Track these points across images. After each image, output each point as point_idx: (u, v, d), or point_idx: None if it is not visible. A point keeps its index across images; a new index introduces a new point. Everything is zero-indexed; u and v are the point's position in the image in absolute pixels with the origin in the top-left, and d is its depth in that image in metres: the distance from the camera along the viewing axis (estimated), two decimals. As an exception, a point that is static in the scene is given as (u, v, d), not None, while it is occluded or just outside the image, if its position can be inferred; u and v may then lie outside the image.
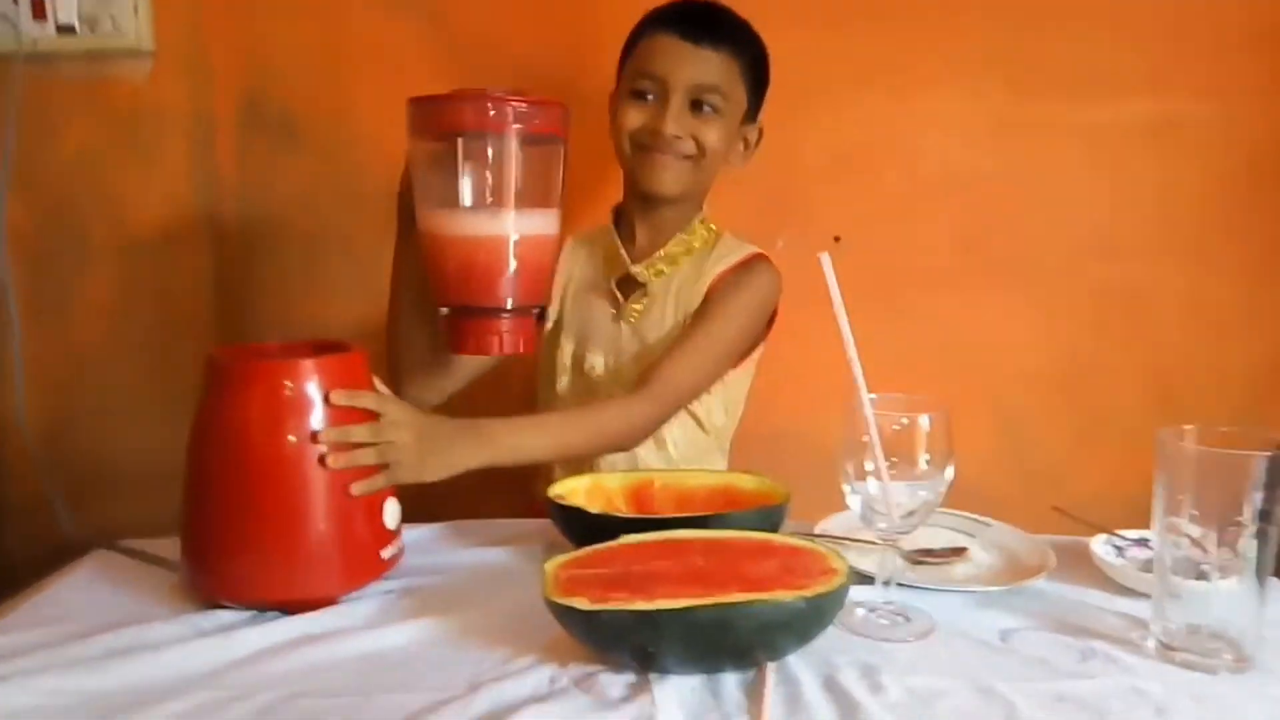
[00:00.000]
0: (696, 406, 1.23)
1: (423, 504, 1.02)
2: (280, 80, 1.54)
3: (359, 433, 0.85)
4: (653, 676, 0.71)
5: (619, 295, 1.25)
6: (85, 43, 1.48)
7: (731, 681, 0.72)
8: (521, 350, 1.00)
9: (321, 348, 0.88)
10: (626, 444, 1.14)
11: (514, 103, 0.94)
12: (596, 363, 1.24)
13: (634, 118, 1.19)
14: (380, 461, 0.86)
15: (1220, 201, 1.50)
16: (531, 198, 0.98)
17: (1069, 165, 1.52)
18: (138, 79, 1.52)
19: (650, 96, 1.18)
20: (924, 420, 0.78)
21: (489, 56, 1.52)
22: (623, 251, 1.25)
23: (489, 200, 0.97)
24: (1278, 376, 1.53)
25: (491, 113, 0.93)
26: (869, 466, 0.79)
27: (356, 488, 0.84)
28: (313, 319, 1.55)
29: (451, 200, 0.97)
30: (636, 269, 1.24)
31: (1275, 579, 0.75)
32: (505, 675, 0.72)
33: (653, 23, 1.20)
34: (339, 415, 0.83)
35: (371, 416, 0.86)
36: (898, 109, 1.52)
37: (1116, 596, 0.87)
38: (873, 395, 0.79)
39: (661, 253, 1.24)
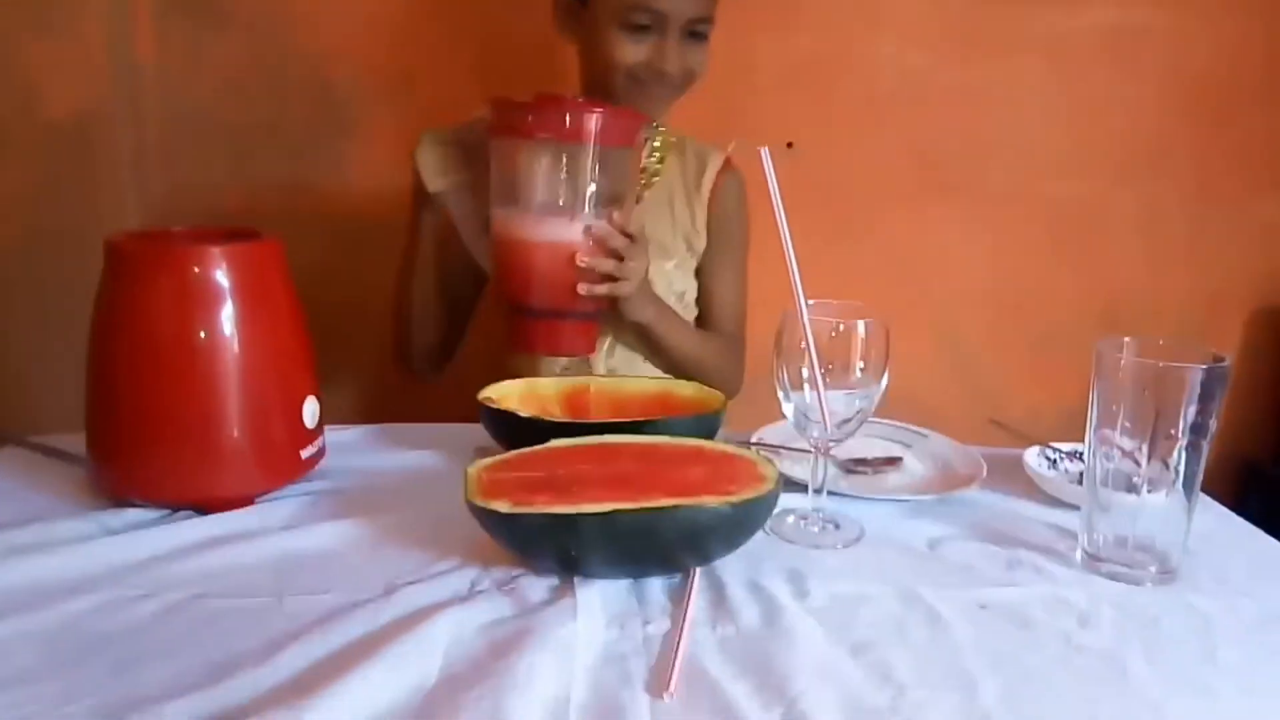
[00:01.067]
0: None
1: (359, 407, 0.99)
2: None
3: (619, 240, 1.00)
4: (577, 580, 0.70)
5: None
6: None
7: (657, 586, 0.70)
8: (587, 353, 1.09)
9: (234, 235, 0.83)
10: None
11: (599, 112, 0.98)
12: None
13: (631, 52, 1.13)
14: (616, 274, 1.01)
15: (1170, 120, 1.49)
16: (611, 203, 1.02)
17: (1028, 78, 1.49)
18: (48, -49, 1.41)
19: (647, 28, 1.12)
20: (860, 326, 0.76)
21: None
22: None
23: (574, 205, 1.00)
24: (1224, 300, 1.54)
25: (577, 123, 0.97)
26: (805, 374, 0.77)
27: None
28: (239, 211, 1.49)
29: (533, 204, 1.01)
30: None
31: (1203, 494, 0.75)
32: (424, 578, 0.70)
33: None
34: (249, 306, 0.78)
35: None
36: (854, 16, 1.47)
37: (1047, 508, 0.87)
38: (810, 301, 0.77)
39: (642, 165, 1.23)
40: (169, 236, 0.85)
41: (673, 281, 1.23)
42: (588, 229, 1.00)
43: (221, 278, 0.76)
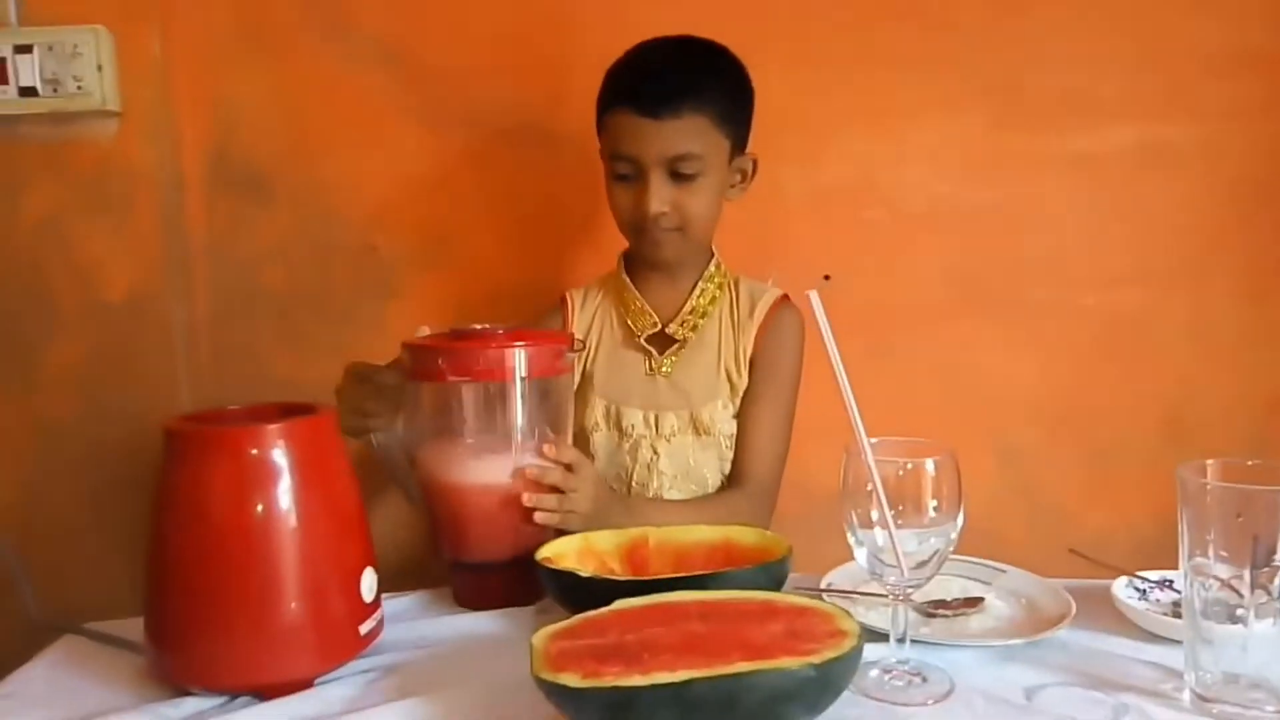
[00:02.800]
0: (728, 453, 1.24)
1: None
2: (248, 135, 1.51)
3: (555, 475, 0.96)
4: (654, 755, 0.66)
5: (651, 349, 1.24)
6: (49, 104, 1.44)
7: (739, 758, 0.66)
8: (531, 602, 0.96)
9: (289, 410, 0.83)
10: None
11: (515, 348, 0.94)
12: (636, 420, 1.23)
13: (622, 202, 1.18)
14: (563, 508, 0.96)
15: (1213, 226, 1.48)
16: (544, 434, 0.99)
17: (1056, 194, 1.49)
18: (104, 140, 1.48)
19: (630, 175, 1.16)
20: (929, 464, 0.74)
21: (458, 101, 1.50)
22: (650, 311, 1.24)
23: (503, 445, 0.97)
24: (1281, 402, 1.50)
25: (491, 363, 0.94)
26: (874, 515, 0.74)
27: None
28: (287, 379, 1.51)
29: (458, 446, 0.97)
30: (672, 327, 1.24)
31: (1315, 621, 0.71)
32: (493, 759, 0.67)
33: (610, 93, 1.17)
34: (306, 482, 0.78)
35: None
36: (879, 144, 1.50)
37: (1144, 644, 0.82)
38: (873, 440, 0.75)
39: (690, 306, 1.24)
40: (224, 417, 0.85)
41: (719, 423, 1.21)
42: (519, 470, 0.95)
43: (279, 457, 0.76)
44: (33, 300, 1.50)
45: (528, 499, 0.95)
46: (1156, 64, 1.45)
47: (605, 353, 1.27)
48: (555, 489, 0.97)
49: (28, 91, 1.43)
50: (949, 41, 1.47)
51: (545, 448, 0.97)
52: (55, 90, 1.44)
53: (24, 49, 1.42)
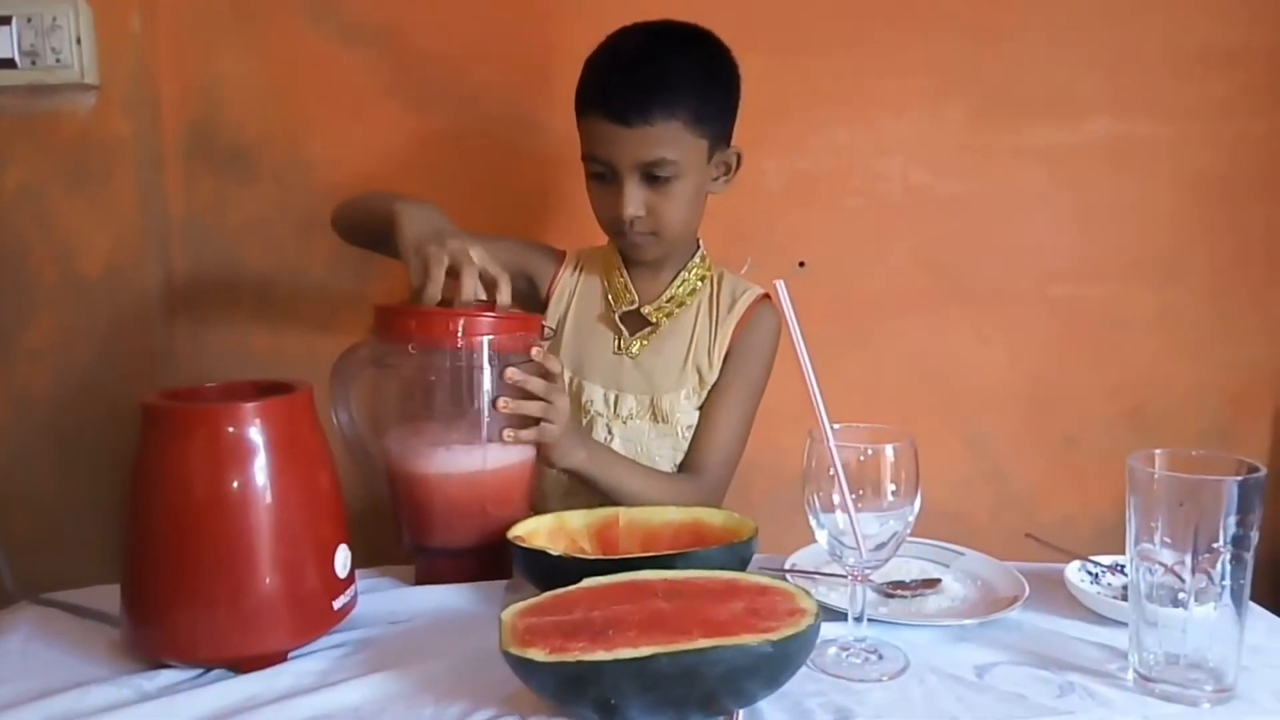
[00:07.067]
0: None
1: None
2: (229, 110, 1.51)
3: (536, 384, 0.96)
4: (617, 728, 0.68)
5: (623, 328, 1.24)
6: (27, 76, 1.43)
7: (700, 730, 0.69)
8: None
9: (266, 389, 0.84)
10: None
11: (490, 318, 0.93)
12: (595, 395, 1.23)
13: (600, 203, 1.19)
14: (542, 416, 0.97)
15: (1182, 221, 1.51)
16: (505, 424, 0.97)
17: (1031, 187, 1.52)
18: (82, 113, 1.48)
19: (606, 177, 1.16)
20: (889, 450, 0.76)
21: (443, 83, 1.50)
22: (632, 288, 1.24)
23: (473, 430, 0.96)
24: (1247, 394, 1.53)
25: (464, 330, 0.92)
26: (835, 499, 0.76)
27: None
28: (266, 354, 1.51)
29: (427, 430, 0.96)
30: (648, 309, 1.24)
31: (1254, 605, 0.74)
32: (462, 730, 0.69)
33: (583, 98, 1.16)
34: (282, 460, 0.79)
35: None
36: (858, 133, 1.52)
37: (1094, 625, 0.85)
38: (836, 425, 0.77)
39: (671, 294, 1.24)
40: (201, 394, 0.86)
41: (678, 413, 1.21)
42: (485, 458, 0.95)
43: (255, 434, 0.77)
44: (9, 273, 1.49)
45: (503, 404, 0.95)
46: (1131, 63, 1.48)
47: (576, 320, 1.27)
48: (535, 398, 0.97)
49: (6, 64, 1.42)
50: (930, 35, 1.49)
51: (534, 351, 0.97)
52: (33, 63, 1.43)
53: (2, 20, 1.41)
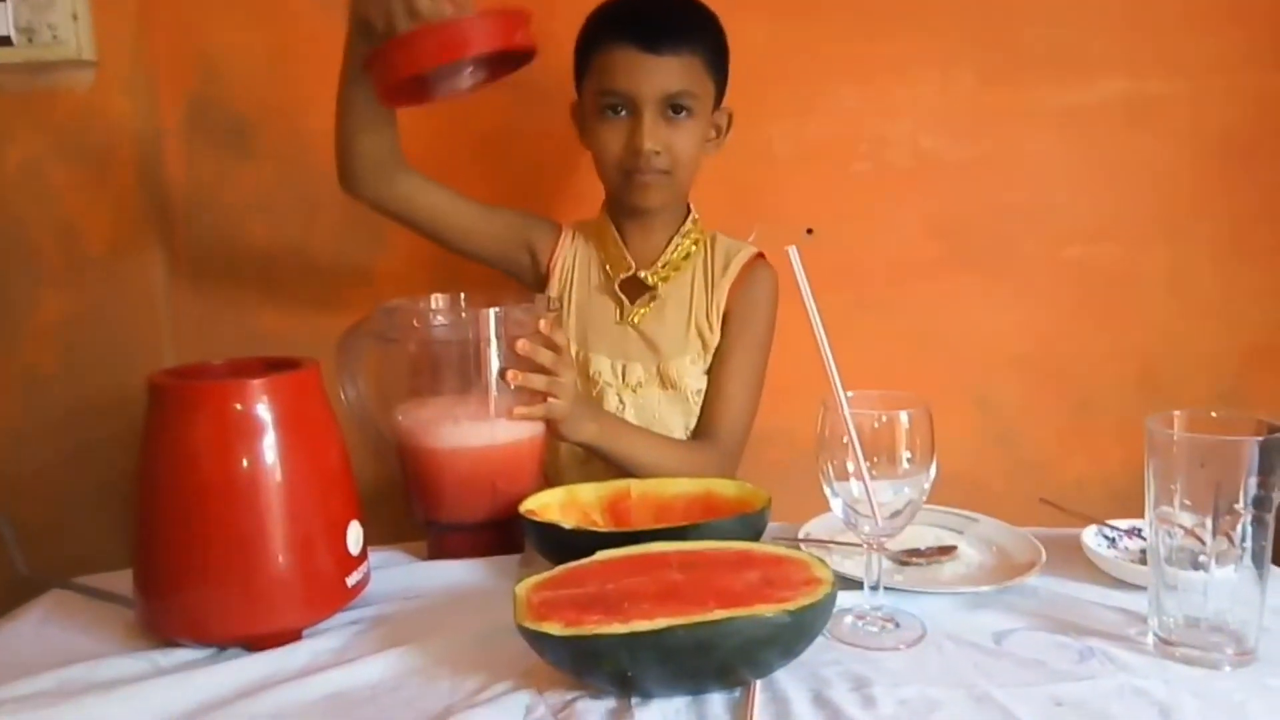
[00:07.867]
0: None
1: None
2: (228, 85, 1.49)
3: (546, 356, 0.96)
4: (635, 700, 0.68)
5: (624, 297, 1.24)
6: (24, 53, 1.42)
7: (718, 702, 0.68)
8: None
9: (273, 365, 0.84)
10: None
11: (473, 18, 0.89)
12: (603, 366, 1.23)
13: (613, 140, 1.16)
14: (549, 390, 0.97)
15: (1196, 181, 1.48)
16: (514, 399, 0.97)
17: (1043, 149, 1.49)
18: (80, 89, 1.46)
19: (622, 112, 1.15)
20: (904, 417, 0.75)
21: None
22: (628, 255, 1.24)
23: (482, 402, 0.96)
24: (1261, 355, 1.51)
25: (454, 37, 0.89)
26: (850, 467, 0.76)
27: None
28: (271, 332, 1.51)
29: (436, 404, 0.96)
30: (645, 273, 1.23)
31: (1275, 567, 0.73)
32: (479, 703, 0.68)
33: (605, 30, 1.15)
34: (290, 437, 0.78)
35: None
36: (866, 98, 1.49)
37: (1111, 590, 0.84)
38: (850, 393, 0.76)
39: (667, 258, 1.24)
40: (208, 371, 0.86)
41: (686, 378, 1.21)
42: (495, 432, 0.95)
43: (263, 411, 0.77)
44: (13, 253, 1.49)
45: (513, 376, 0.95)
46: (1142, 19, 1.45)
47: (578, 292, 1.27)
48: (543, 370, 0.97)
49: (2, 41, 1.41)
50: (937, -5, 1.46)
51: (541, 324, 0.97)
52: (30, 40, 1.42)
53: (-2, -3, 1.40)
